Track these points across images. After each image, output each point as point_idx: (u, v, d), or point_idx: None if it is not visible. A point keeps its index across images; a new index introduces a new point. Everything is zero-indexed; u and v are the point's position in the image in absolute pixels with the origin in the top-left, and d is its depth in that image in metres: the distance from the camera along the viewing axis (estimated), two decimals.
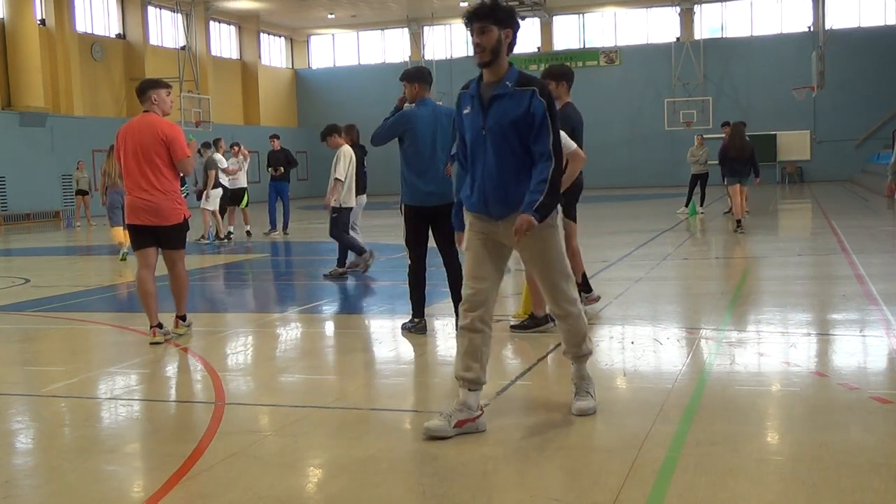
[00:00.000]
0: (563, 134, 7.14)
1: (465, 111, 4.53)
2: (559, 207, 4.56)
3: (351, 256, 11.16)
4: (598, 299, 7.84)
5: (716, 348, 6.24)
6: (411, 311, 7.13)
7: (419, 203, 6.93)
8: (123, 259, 13.94)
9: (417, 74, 7.08)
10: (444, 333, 7.12)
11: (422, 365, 6.29)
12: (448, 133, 6.94)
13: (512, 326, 7.06)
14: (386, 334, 7.35)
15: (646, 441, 4.18)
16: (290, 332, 7.89)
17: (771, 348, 6.19)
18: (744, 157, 15.19)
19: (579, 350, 4.78)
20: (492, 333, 4.56)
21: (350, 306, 9.00)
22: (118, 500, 3.79)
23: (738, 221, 14.91)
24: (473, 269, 4.54)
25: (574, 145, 7.12)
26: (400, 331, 7.14)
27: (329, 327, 8.09)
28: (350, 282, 10.74)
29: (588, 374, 4.84)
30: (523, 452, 4.17)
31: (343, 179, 10.61)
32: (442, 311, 7.78)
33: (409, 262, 7.11)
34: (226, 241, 16.84)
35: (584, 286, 7.80)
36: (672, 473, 3.77)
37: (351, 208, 10.86)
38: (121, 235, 14.17)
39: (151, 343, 6.97)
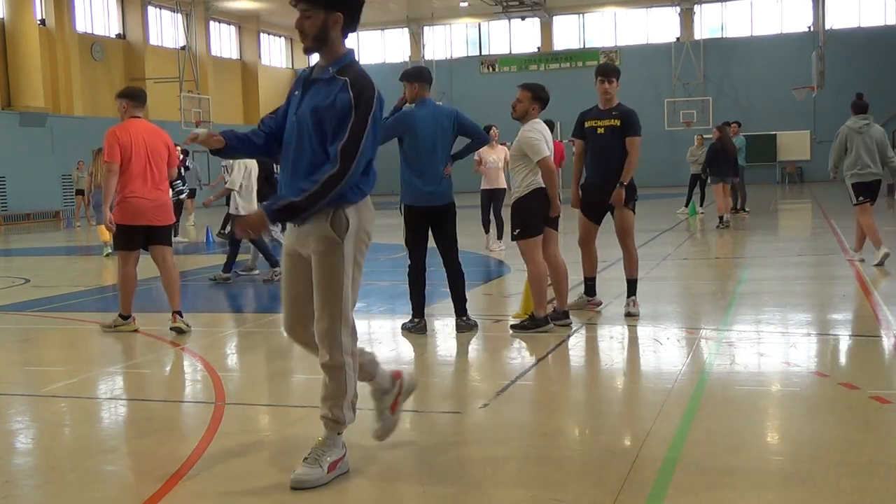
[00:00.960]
0: (533, 138, 6.91)
1: (296, 92, 3.96)
2: (350, 233, 3.82)
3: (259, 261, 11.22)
4: (599, 304, 7.84)
5: (716, 348, 6.24)
6: (411, 311, 7.13)
7: (419, 203, 6.94)
8: (108, 256, 14.62)
9: (417, 74, 7.07)
10: (444, 333, 7.13)
11: (422, 365, 6.29)
12: (448, 133, 6.95)
13: (512, 326, 7.06)
14: (386, 334, 7.35)
15: (646, 441, 4.18)
16: None
17: (771, 348, 6.19)
18: (732, 157, 16.86)
19: (329, 411, 3.85)
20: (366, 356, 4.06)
21: None
22: (118, 500, 3.78)
23: (721, 217, 16.19)
24: (287, 296, 3.97)
25: (547, 152, 6.91)
26: (400, 331, 7.14)
27: None
28: None
29: (333, 444, 3.86)
30: (523, 452, 4.17)
31: (237, 189, 10.66)
32: (442, 311, 7.78)
33: (409, 262, 7.12)
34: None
35: (589, 290, 7.87)
36: (672, 473, 3.77)
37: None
38: (107, 234, 14.74)
39: (132, 330, 7.57)
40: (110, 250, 14.68)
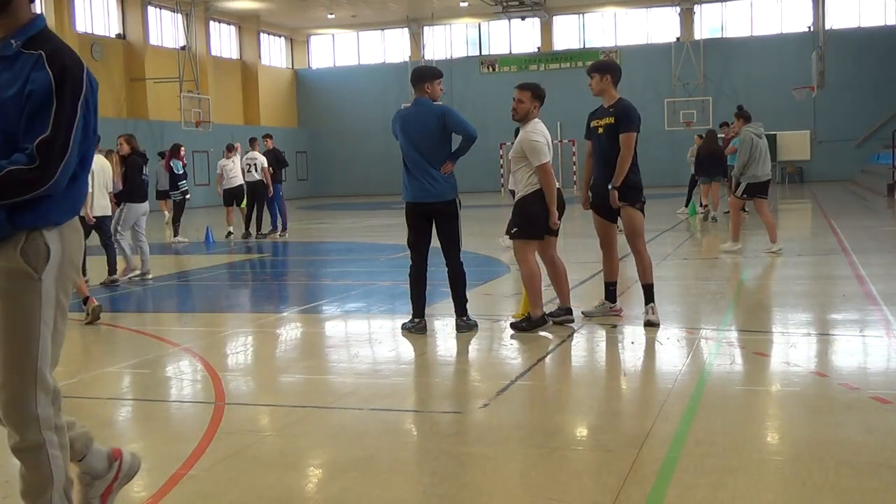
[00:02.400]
0: (537, 142, 6.91)
1: None
2: (51, 266, 2.89)
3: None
4: (621, 311, 7.44)
5: (716, 348, 6.24)
6: (411, 311, 7.14)
7: (413, 200, 7.01)
8: None
9: (412, 76, 7.25)
10: (444, 333, 7.13)
11: (422, 365, 6.29)
12: (433, 132, 6.91)
13: (511, 325, 7.07)
14: (386, 334, 7.35)
15: (646, 441, 4.18)
16: (290, 332, 7.90)
17: (771, 348, 6.19)
18: (714, 158, 17.76)
19: None
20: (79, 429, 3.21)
21: (350, 306, 9.00)
22: (118, 500, 3.78)
23: (707, 212, 17.71)
24: None
25: (547, 158, 6.89)
26: (400, 331, 7.14)
27: (329, 327, 8.09)
28: (349, 282, 10.74)
29: None
30: (523, 452, 4.17)
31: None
32: (442, 311, 7.78)
33: (410, 261, 7.13)
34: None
35: (610, 295, 7.46)
36: (672, 473, 3.77)
37: (106, 217, 10.72)
38: None
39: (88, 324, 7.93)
40: None
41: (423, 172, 6.93)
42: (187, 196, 17.69)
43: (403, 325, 7.19)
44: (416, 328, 7.05)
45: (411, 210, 7.06)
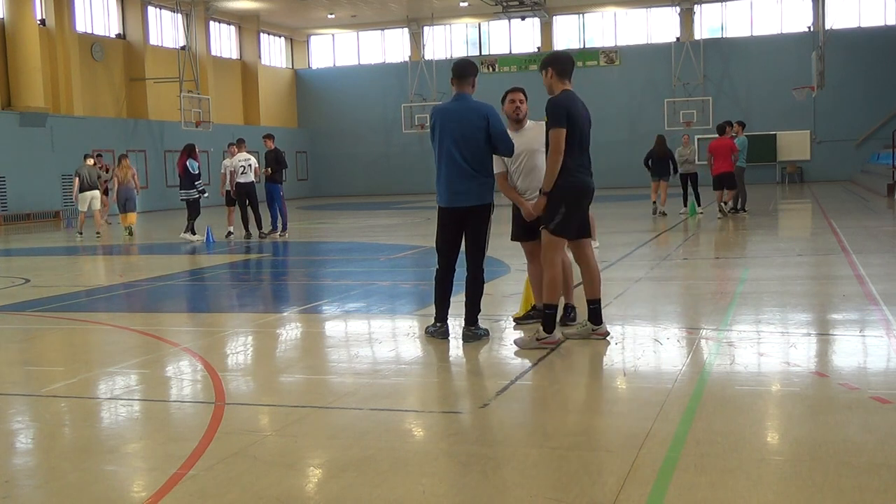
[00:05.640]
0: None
1: None
2: None
3: None
4: (606, 334, 6.65)
5: (716, 348, 6.24)
6: (434, 314, 6.94)
7: (449, 205, 6.64)
8: (130, 234, 18.91)
9: (453, 69, 6.70)
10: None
11: (422, 365, 6.28)
12: (472, 131, 6.45)
13: (515, 318, 7.11)
14: (386, 334, 7.35)
15: (646, 441, 4.18)
16: (290, 332, 7.89)
17: (771, 348, 6.19)
18: (664, 160, 19.28)
19: None
20: None
21: (350, 306, 9.00)
22: (118, 500, 3.79)
23: (655, 208, 19.68)
24: None
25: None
26: (399, 331, 7.13)
27: (329, 327, 8.09)
28: (349, 282, 10.74)
29: None
30: (523, 452, 4.17)
31: None
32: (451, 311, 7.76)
33: (437, 265, 6.88)
34: (81, 235, 19.47)
35: (593, 314, 6.63)
36: (672, 473, 3.77)
37: None
38: (128, 219, 19.37)
39: None
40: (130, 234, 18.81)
41: (462, 174, 6.48)
42: (205, 195, 18.01)
43: (426, 328, 7.00)
44: (438, 332, 6.79)
45: (440, 211, 6.71)
